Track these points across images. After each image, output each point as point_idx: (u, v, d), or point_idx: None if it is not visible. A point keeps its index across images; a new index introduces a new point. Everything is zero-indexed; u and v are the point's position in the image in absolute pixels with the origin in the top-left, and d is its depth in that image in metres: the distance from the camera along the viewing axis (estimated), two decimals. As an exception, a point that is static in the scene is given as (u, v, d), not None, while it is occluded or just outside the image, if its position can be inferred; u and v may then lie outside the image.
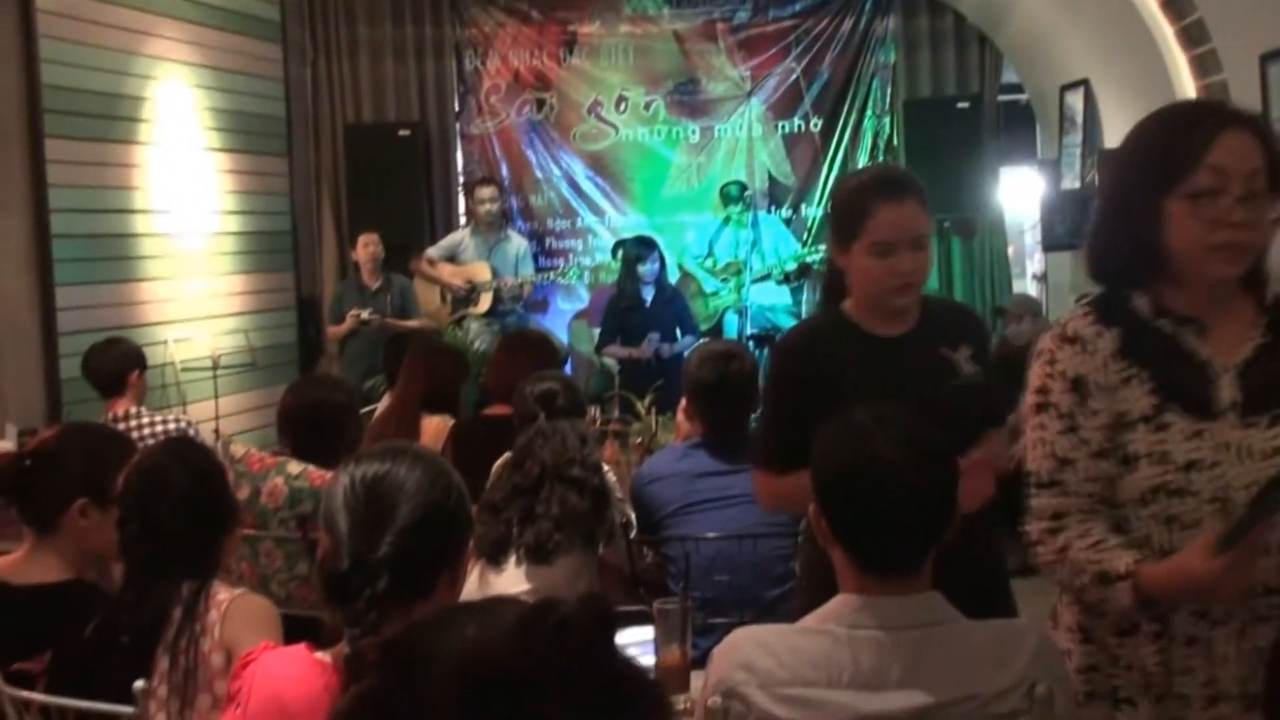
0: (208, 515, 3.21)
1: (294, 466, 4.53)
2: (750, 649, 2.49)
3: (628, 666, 1.37)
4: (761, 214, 10.85)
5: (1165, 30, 7.90)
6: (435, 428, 5.77)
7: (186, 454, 3.35)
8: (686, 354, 5.85)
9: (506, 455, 4.47)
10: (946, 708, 2.40)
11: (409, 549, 2.22)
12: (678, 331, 9.60)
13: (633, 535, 4.57)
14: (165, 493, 3.14)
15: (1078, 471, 2.65)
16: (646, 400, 6.45)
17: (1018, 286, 11.58)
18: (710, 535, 4.33)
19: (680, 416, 5.02)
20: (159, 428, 6.11)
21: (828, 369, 3.34)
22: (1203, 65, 7.71)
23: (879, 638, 2.44)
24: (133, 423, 6.07)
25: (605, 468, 4.52)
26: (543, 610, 1.31)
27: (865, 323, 3.44)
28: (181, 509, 3.13)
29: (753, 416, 4.57)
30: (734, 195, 10.59)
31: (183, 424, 6.29)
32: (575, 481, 4.24)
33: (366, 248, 9.81)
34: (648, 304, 9.59)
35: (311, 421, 4.70)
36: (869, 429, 2.55)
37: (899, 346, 3.41)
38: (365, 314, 9.50)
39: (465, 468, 5.08)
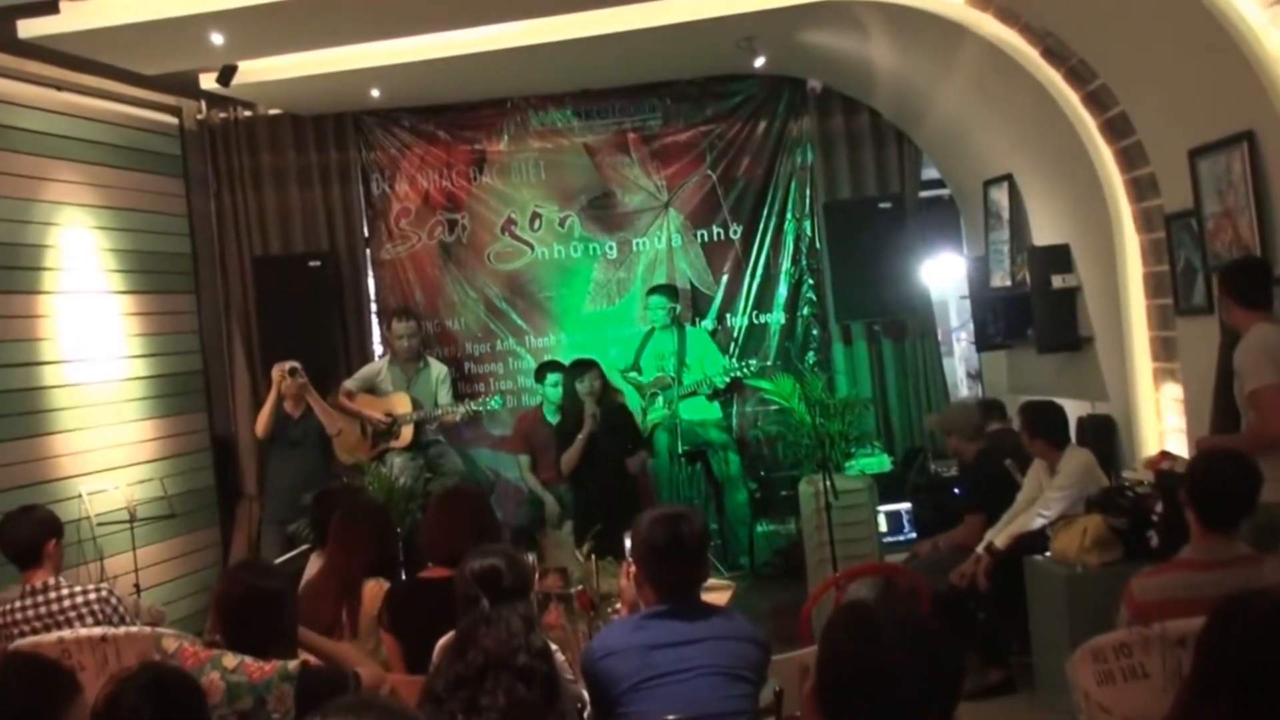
0: None
1: (230, 660, 4.34)
2: None
3: None
4: (687, 326, 10.69)
5: (1088, 124, 7.93)
6: (369, 592, 5.65)
7: (164, 690, 3.25)
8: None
9: (450, 635, 4.30)
10: None
11: None
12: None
13: (587, 715, 4.38)
14: None
15: None
16: (585, 548, 6.25)
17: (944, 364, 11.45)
18: (671, 718, 4.13)
19: (624, 582, 4.82)
20: (79, 599, 5.97)
21: None
22: (1129, 158, 7.72)
23: None
24: (51, 594, 5.95)
25: (554, 646, 4.35)
26: None
27: None
28: None
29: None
30: (662, 294, 10.54)
31: (104, 593, 6.07)
32: (521, 671, 4.04)
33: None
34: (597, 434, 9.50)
35: (247, 610, 4.49)
36: (878, 624, 2.50)
37: None
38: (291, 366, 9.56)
39: (402, 633, 5.00)
